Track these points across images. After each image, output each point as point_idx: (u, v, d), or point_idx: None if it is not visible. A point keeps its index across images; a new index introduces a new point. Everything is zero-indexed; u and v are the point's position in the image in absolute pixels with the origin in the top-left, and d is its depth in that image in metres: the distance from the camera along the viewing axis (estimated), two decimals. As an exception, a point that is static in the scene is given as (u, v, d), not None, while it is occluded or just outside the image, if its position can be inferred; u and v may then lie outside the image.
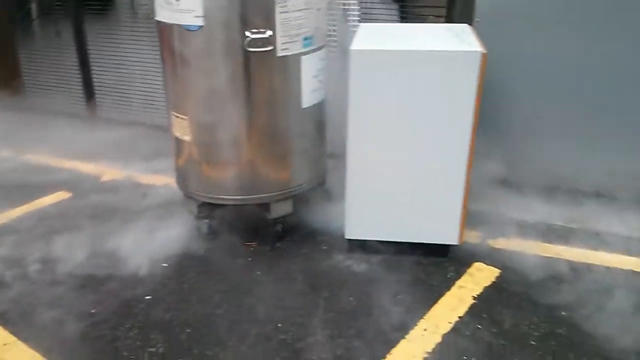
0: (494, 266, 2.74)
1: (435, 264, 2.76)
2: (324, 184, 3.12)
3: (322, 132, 2.98)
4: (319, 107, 2.86)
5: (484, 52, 2.44)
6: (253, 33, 2.51)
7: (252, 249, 2.91)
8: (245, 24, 2.50)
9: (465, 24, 2.93)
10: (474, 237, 2.95)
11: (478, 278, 2.66)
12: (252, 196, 2.82)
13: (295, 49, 2.62)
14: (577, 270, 2.71)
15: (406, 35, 2.78)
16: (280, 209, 2.89)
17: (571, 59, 3.03)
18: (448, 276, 2.67)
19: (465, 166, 2.60)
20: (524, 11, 3.01)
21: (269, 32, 2.53)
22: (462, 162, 2.59)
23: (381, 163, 2.64)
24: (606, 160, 3.15)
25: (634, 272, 2.70)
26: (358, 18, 3.30)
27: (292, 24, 2.57)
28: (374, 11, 3.41)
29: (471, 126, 2.54)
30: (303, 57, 2.66)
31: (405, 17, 3.39)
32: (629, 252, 2.83)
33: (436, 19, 3.32)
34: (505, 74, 3.12)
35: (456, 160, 2.59)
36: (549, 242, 2.93)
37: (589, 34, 2.97)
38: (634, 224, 3.03)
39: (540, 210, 3.17)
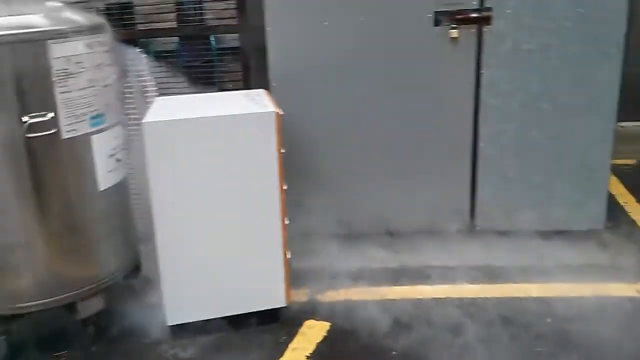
0: (325, 320, 2.71)
1: (267, 330, 2.65)
2: (140, 269, 2.88)
3: (128, 213, 2.78)
4: (120, 187, 2.67)
5: (278, 111, 2.50)
6: (31, 117, 2.29)
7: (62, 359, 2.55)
8: (23, 108, 2.27)
9: (262, 89, 3.01)
10: (303, 295, 2.91)
11: (310, 336, 2.60)
12: (54, 298, 2.49)
13: (83, 129, 2.43)
14: (408, 308, 2.78)
15: (203, 103, 2.75)
16: (90, 307, 2.58)
17: (361, 111, 3.24)
18: (280, 341, 2.58)
19: (280, 224, 2.59)
20: (312, 71, 3.18)
21: (50, 115, 2.32)
22: (275, 220, 2.58)
23: (193, 237, 2.52)
24: (425, 197, 3.34)
25: (465, 301, 2.83)
26: (156, 94, 3.24)
27: (76, 103, 2.39)
28: (176, 85, 3.39)
29: (278, 184, 2.55)
30: (93, 137, 2.48)
31: (204, 89, 3.41)
32: (457, 282, 2.98)
33: (235, 88, 3.38)
34: (308, 129, 3.23)
35: (269, 220, 2.57)
36: (378, 286, 2.99)
37: (369, 85, 3.20)
38: (461, 255, 3.21)
39: (367, 255, 3.24)
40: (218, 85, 3.63)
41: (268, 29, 3.10)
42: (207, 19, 3.55)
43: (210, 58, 3.91)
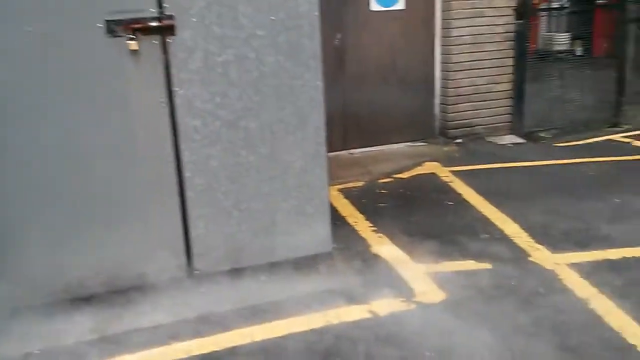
0: None
1: None
2: None
3: None
4: None
5: None
6: None
7: None
8: None
9: None
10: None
11: None
12: None
13: None
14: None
15: None
16: None
17: (30, 150, 2.57)
18: None
19: None
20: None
21: None
22: None
23: None
24: (128, 247, 2.77)
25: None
26: None
27: None
28: None
29: None
30: None
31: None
32: (168, 343, 2.46)
33: None
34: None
35: None
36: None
37: (37, 118, 2.56)
38: (174, 308, 2.69)
39: (55, 329, 2.55)
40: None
41: None
42: None
43: None
